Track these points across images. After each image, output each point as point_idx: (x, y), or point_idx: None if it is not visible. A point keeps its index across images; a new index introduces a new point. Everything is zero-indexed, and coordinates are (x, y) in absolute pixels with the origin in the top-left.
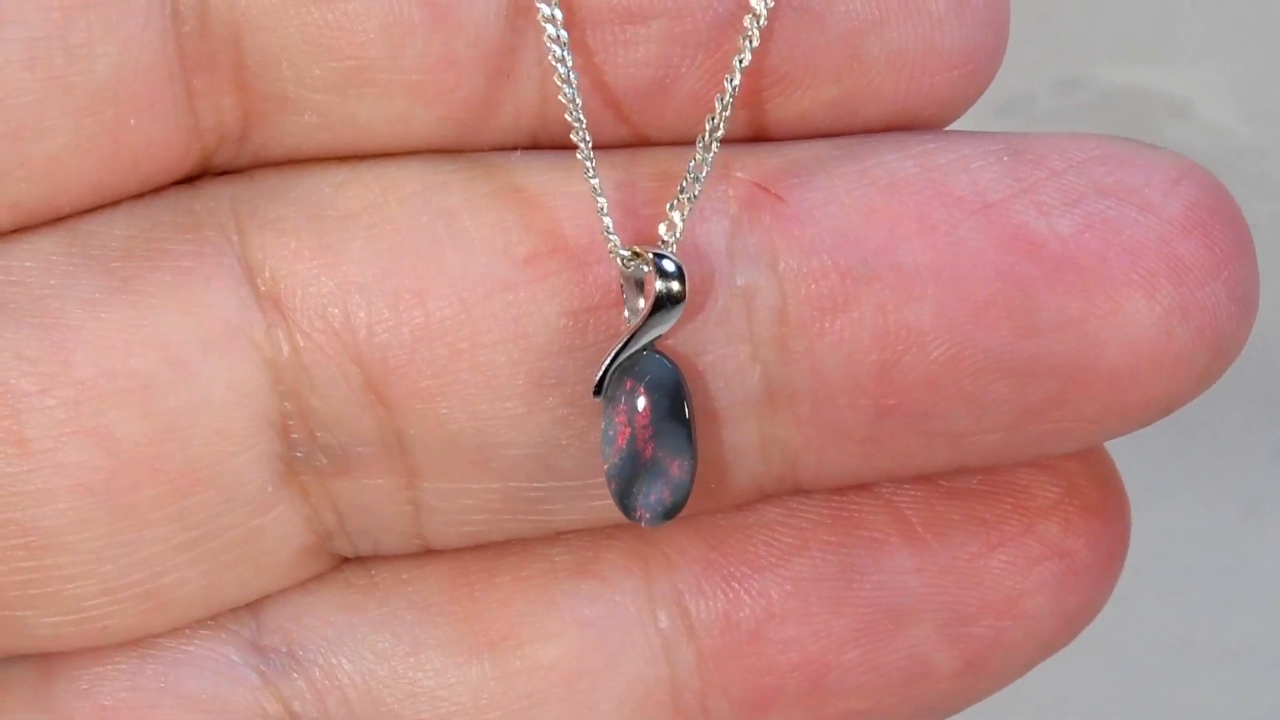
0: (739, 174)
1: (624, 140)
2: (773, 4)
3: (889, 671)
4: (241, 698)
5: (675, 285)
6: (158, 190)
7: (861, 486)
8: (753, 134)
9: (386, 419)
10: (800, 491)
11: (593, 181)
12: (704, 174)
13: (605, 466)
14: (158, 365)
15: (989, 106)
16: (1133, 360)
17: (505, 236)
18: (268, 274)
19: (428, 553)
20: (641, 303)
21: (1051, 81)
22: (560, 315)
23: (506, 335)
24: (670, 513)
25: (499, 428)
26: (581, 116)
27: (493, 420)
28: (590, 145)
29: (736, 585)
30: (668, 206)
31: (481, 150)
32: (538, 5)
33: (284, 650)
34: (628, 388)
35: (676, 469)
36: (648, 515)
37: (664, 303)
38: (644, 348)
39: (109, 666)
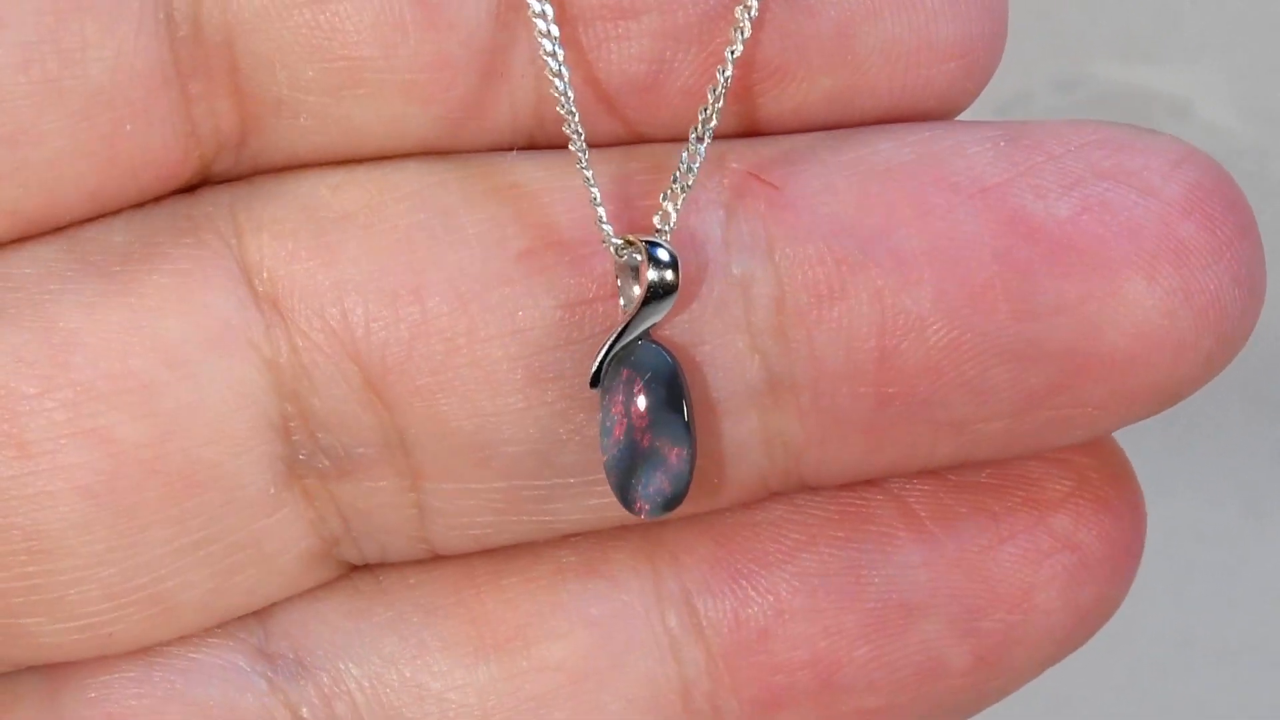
0: (733, 164)
1: (619, 136)
2: None
3: (901, 668)
4: (250, 704)
5: (668, 273)
6: (158, 199)
7: (869, 482)
8: (748, 128)
9: (387, 418)
10: (807, 488)
11: (586, 172)
12: (697, 164)
13: (604, 459)
14: (157, 366)
15: (988, 105)
16: (1134, 343)
17: (501, 232)
18: (265, 275)
19: (435, 559)
20: (636, 291)
21: (1050, 80)
22: (556, 308)
23: (503, 330)
24: (670, 503)
25: (499, 424)
26: (574, 109)
27: (492, 416)
28: (583, 137)
29: (745, 583)
30: (661, 197)
31: (478, 151)
32: (529, 2)
33: (291, 657)
34: (624, 378)
35: (675, 458)
36: (648, 507)
37: (657, 291)
38: (639, 337)
39: (116, 675)
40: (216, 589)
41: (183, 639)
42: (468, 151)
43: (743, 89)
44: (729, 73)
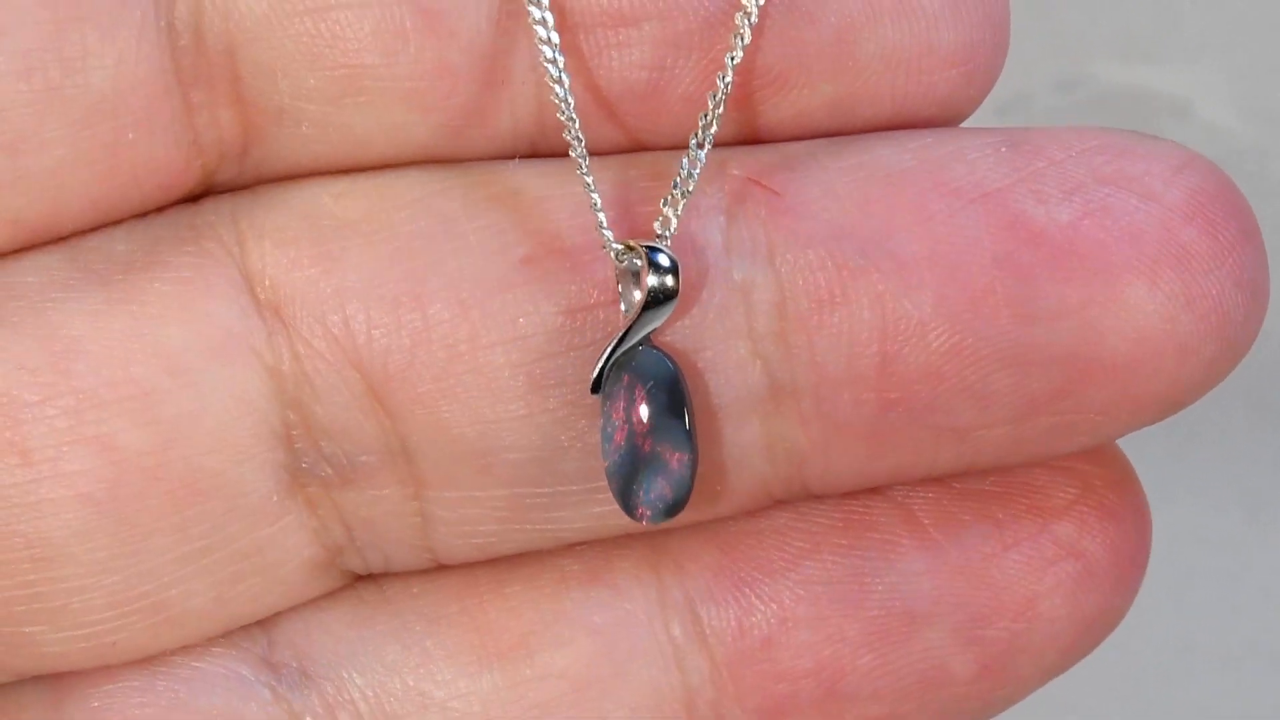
0: (734, 170)
1: (619, 144)
2: (763, 1)
3: (905, 676)
4: (254, 714)
5: (669, 278)
6: (161, 209)
7: (873, 490)
8: (749, 135)
9: (389, 425)
10: (811, 496)
11: (586, 178)
12: (698, 170)
13: (605, 464)
14: (159, 374)
15: (988, 106)
16: (1136, 348)
17: (502, 238)
18: (268, 282)
19: (439, 568)
20: (638, 296)
21: (1051, 80)
22: (557, 314)
23: (505, 336)
24: (672, 509)
25: (500, 431)
26: (574, 116)
27: (494, 423)
28: (583, 144)
29: (748, 591)
30: (662, 202)
31: (480, 159)
32: (529, 9)
33: (295, 666)
34: (625, 383)
35: (676, 463)
36: (649, 512)
37: (658, 296)
38: (641, 342)
39: (120, 684)
40: (219, 597)
41: (186, 648)
42: (469, 160)
43: (743, 96)
44: (729, 79)
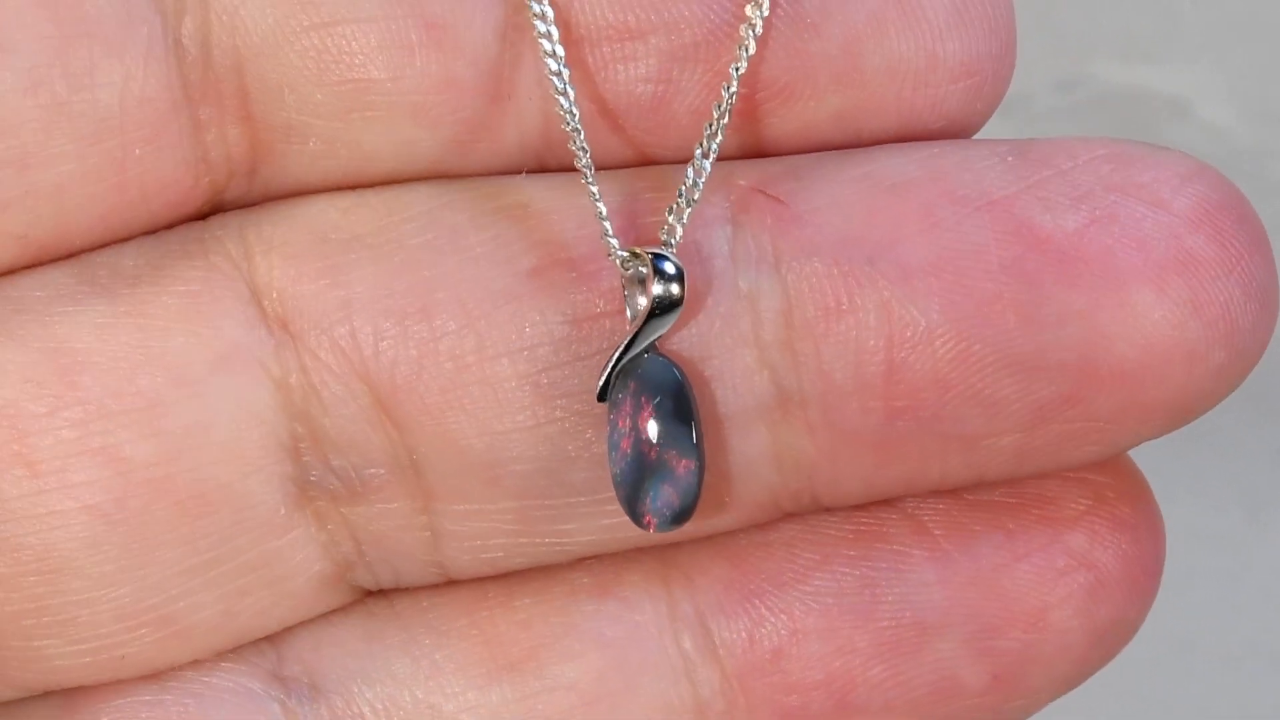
0: (740, 180)
1: (626, 157)
2: (767, 13)
3: (916, 687)
4: None
5: (674, 286)
6: (170, 226)
7: (884, 502)
8: (755, 148)
9: (397, 438)
10: (821, 508)
11: (592, 188)
12: (703, 179)
13: (612, 472)
14: (166, 386)
15: None
16: (1144, 354)
17: (509, 250)
18: (275, 295)
19: (449, 583)
20: (643, 303)
21: (1051, 80)
22: (563, 324)
23: (511, 346)
24: (679, 517)
25: (508, 442)
26: (580, 128)
27: (502, 434)
28: (589, 155)
29: (758, 603)
30: (667, 211)
31: (487, 174)
32: (534, 22)
33: (305, 680)
34: (631, 390)
35: (683, 470)
36: (656, 520)
37: (663, 303)
38: (646, 350)
39: (129, 699)
40: (227, 610)
41: (196, 662)
42: (476, 174)
43: (749, 108)
44: (734, 88)
